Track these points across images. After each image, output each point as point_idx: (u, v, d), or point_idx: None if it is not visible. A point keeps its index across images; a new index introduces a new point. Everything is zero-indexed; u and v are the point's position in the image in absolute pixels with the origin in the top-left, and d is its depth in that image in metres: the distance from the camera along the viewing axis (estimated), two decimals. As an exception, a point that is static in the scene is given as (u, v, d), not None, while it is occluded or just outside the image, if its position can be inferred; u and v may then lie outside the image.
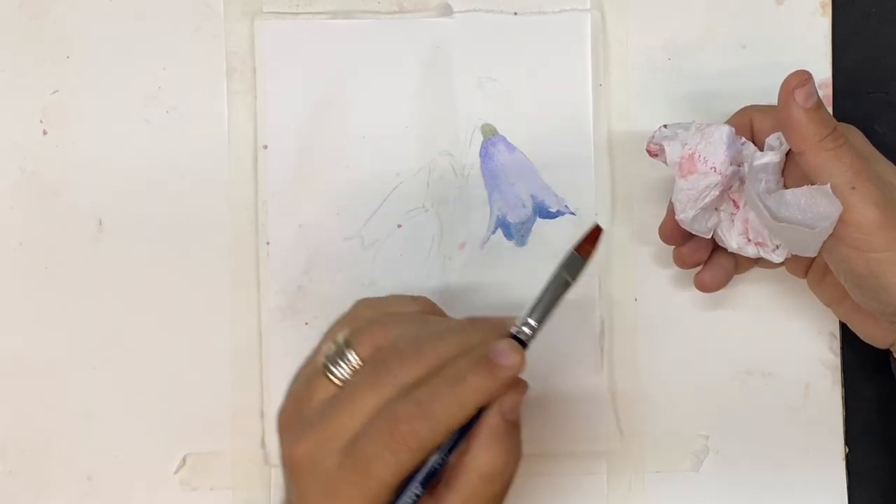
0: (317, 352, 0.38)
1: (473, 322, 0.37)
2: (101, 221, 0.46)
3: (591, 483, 0.47)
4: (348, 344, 0.36)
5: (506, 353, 0.35)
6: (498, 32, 0.47)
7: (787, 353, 0.47)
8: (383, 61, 0.47)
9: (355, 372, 0.36)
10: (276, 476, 0.47)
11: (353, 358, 0.36)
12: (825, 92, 0.47)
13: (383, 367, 0.35)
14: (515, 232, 0.47)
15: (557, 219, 0.47)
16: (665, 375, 0.47)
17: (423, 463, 0.34)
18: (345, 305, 0.39)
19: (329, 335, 0.38)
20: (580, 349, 0.47)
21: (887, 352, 0.43)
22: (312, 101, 0.47)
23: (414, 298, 0.40)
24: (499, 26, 0.47)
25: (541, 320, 0.37)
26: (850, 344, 0.47)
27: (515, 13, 0.47)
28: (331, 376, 0.36)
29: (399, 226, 0.47)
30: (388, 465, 0.34)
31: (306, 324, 0.47)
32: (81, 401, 0.46)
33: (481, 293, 0.47)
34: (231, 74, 0.47)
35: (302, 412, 0.36)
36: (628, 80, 0.47)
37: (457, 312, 0.46)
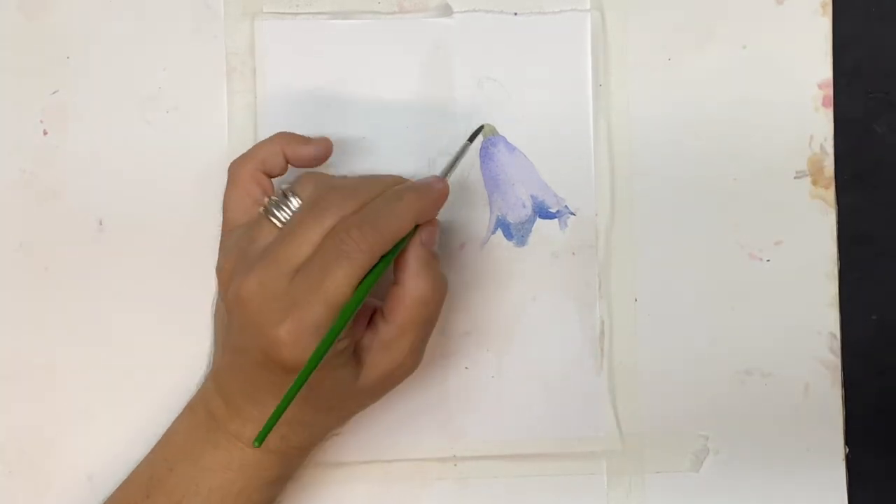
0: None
1: (394, 176, 0.41)
2: (101, 221, 0.46)
3: (591, 483, 0.47)
4: (290, 191, 0.40)
5: (435, 181, 0.41)
6: (498, 32, 0.47)
7: (786, 353, 0.47)
8: (383, 61, 0.47)
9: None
10: (276, 476, 0.46)
11: (294, 201, 0.39)
12: (825, 92, 0.47)
13: (324, 202, 0.38)
14: (515, 232, 0.47)
15: (557, 219, 0.47)
16: (665, 375, 0.47)
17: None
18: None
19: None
20: (580, 349, 0.47)
21: (887, 353, 0.43)
22: (312, 101, 0.47)
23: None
24: (499, 26, 0.47)
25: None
26: (850, 344, 0.47)
27: (515, 13, 0.47)
28: (273, 220, 0.39)
29: (399, 226, 0.47)
30: (341, 269, 0.37)
31: (306, 324, 0.47)
32: (81, 401, 0.46)
33: (481, 293, 0.47)
34: (231, 74, 0.47)
35: (247, 255, 0.39)
36: (628, 80, 0.47)
37: (457, 314, 0.46)
